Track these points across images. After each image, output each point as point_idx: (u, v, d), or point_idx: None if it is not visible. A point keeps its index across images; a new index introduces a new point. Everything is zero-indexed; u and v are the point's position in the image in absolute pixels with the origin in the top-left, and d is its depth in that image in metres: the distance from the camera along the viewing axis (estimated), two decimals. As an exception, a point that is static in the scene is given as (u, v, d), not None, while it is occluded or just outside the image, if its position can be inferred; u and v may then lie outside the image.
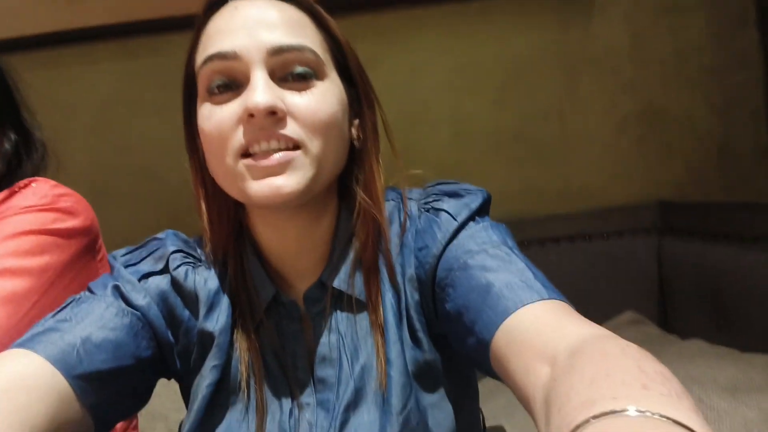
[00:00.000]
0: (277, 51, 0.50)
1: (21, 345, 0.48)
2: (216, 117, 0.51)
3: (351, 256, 0.58)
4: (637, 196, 1.39)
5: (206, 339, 0.57)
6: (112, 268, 0.59)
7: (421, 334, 0.57)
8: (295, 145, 0.50)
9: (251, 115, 0.48)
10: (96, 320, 0.51)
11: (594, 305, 1.21)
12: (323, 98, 0.52)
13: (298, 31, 0.52)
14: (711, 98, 1.39)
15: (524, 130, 1.40)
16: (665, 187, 1.40)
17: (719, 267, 1.05)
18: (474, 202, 0.58)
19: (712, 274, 1.07)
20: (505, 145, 1.40)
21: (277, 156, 0.49)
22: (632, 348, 0.35)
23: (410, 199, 0.62)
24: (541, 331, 0.42)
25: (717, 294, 1.05)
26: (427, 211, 0.60)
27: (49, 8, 1.40)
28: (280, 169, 0.49)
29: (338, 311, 0.58)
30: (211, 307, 0.58)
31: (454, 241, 0.55)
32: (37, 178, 0.74)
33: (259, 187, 0.49)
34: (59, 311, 0.53)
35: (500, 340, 0.45)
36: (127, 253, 0.61)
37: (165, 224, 1.48)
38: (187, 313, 0.58)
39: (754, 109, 1.39)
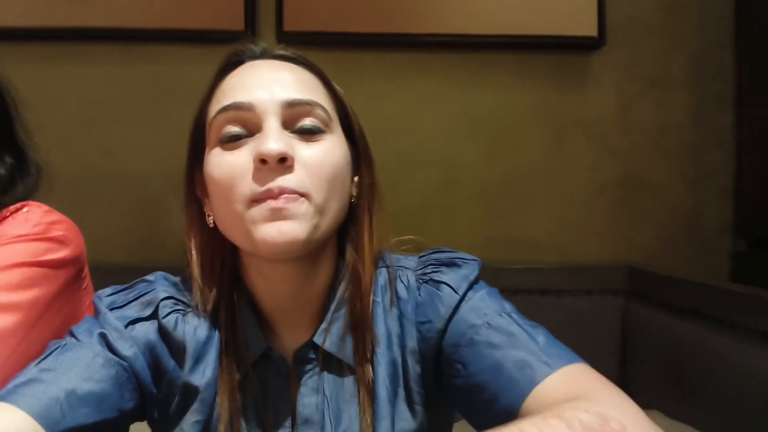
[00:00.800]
0: (290, 104, 0.53)
1: (3, 398, 0.47)
2: (227, 163, 0.53)
3: (344, 317, 0.59)
4: (608, 257, 1.46)
5: (190, 391, 0.57)
6: (97, 310, 0.57)
7: (418, 406, 0.58)
8: (301, 194, 0.52)
9: (263, 161, 0.50)
10: (82, 371, 0.50)
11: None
12: (330, 151, 0.55)
13: (310, 90, 0.56)
14: (685, 172, 1.48)
15: (511, 182, 1.45)
16: (635, 250, 1.48)
17: (682, 341, 1.10)
18: (472, 273, 0.60)
19: (674, 347, 1.13)
20: (491, 194, 1.45)
21: (284, 198, 0.50)
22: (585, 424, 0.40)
23: (406, 268, 0.63)
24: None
25: (678, 367, 1.11)
26: (426, 282, 0.61)
27: (48, 3, 1.37)
28: (285, 213, 0.50)
29: (326, 372, 0.58)
30: (199, 359, 0.57)
31: (456, 316, 0.57)
32: (28, 202, 0.72)
33: (266, 231, 0.50)
34: (43, 359, 0.52)
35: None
36: (112, 294, 0.59)
37: (142, 232, 1.46)
38: (172, 363, 0.57)
39: (723, 187, 1.48)
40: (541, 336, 0.53)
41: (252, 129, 0.53)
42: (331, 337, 0.58)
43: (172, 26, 1.37)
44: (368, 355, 0.58)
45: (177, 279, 0.63)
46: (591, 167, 1.47)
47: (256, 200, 0.51)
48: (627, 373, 1.33)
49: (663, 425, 0.92)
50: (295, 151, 0.52)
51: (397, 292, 0.61)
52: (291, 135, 0.53)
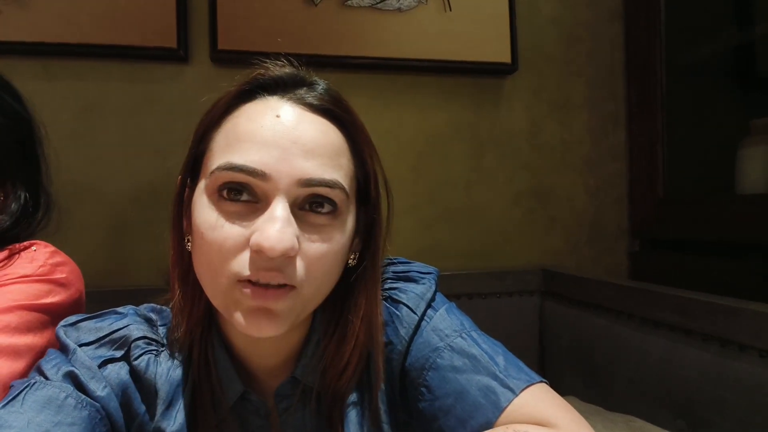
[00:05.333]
0: (308, 183, 0.48)
1: None
2: (222, 232, 0.48)
3: (320, 354, 0.58)
4: (524, 261, 1.59)
5: None
6: (63, 344, 0.53)
7: (386, 425, 0.59)
8: (291, 286, 0.49)
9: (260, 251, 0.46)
10: (53, 414, 0.47)
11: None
12: (335, 239, 0.51)
13: (334, 162, 0.50)
14: (587, 183, 1.65)
15: (436, 195, 1.54)
16: (547, 254, 1.62)
17: (590, 332, 1.24)
18: (429, 290, 0.61)
19: (583, 338, 1.27)
20: (419, 207, 1.53)
21: (272, 293, 0.48)
22: None
23: None
24: None
25: (587, 355, 1.24)
26: (386, 299, 0.61)
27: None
28: (268, 311, 0.48)
29: (305, 406, 0.58)
30: (170, 404, 0.55)
31: (417, 337, 0.58)
32: (36, 241, 0.70)
33: (245, 322, 0.49)
34: (10, 401, 0.48)
35: None
36: (78, 322, 0.56)
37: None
38: (143, 407, 0.55)
39: (619, 195, 1.67)
40: (501, 356, 0.54)
41: (259, 195, 0.48)
42: (312, 372, 0.57)
43: (98, 42, 1.34)
44: (344, 385, 0.58)
45: (148, 311, 0.60)
46: (507, 180, 1.59)
47: (243, 281, 0.48)
48: (545, 364, 1.45)
49: (579, 409, 1.05)
50: (300, 242, 0.48)
51: None
52: (300, 211, 0.49)
